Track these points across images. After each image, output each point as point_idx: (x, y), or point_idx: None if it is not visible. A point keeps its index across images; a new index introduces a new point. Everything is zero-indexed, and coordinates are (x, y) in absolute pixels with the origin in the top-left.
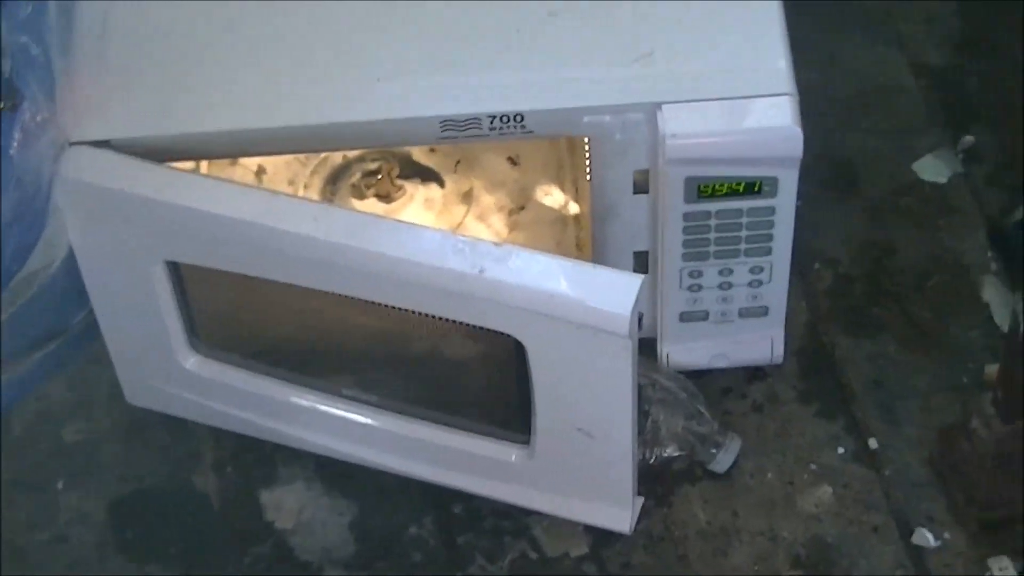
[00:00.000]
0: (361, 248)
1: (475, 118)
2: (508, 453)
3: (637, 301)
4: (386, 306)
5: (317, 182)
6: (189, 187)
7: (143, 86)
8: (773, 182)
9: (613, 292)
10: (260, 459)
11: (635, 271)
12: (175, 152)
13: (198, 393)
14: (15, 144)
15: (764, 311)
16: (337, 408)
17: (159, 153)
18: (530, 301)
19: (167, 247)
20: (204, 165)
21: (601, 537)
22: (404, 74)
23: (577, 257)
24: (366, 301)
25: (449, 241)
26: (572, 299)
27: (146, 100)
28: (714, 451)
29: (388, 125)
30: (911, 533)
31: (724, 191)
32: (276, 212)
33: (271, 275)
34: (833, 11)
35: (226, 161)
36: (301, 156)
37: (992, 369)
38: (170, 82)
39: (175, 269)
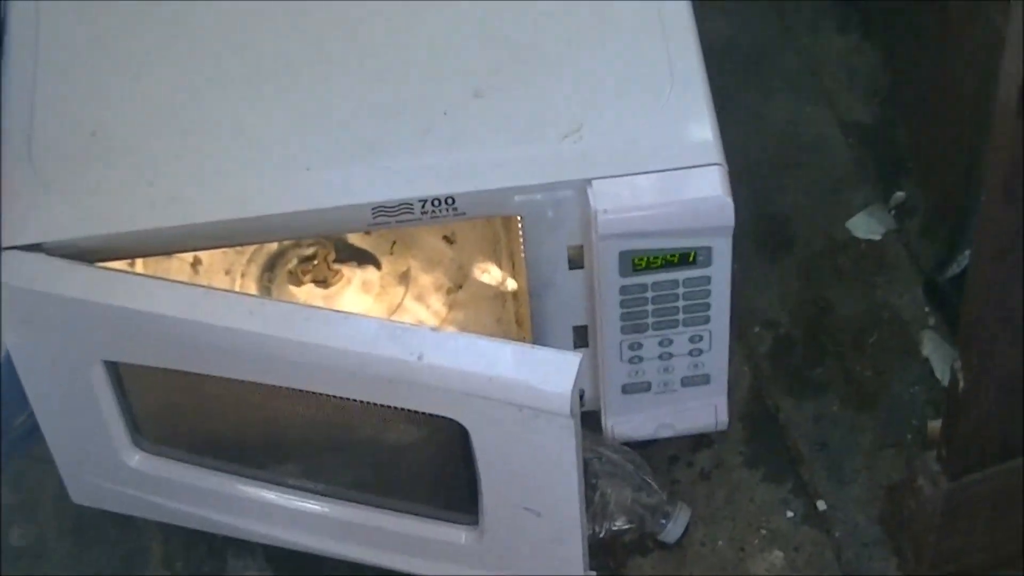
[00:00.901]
0: (298, 340)
1: (407, 203)
2: (457, 535)
3: (577, 379)
4: (327, 396)
5: (254, 270)
6: (122, 287)
7: (72, 188)
8: (707, 251)
9: (552, 372)
10: (210, 552)
11: (575, 345)
12: (107, 252)
13: (144, 489)
14: None
15: (706, 379)
16: (284, 498)
17: (91, 254)
18: (470, 385)
19: (104, 347)
20: (139, 261)
21: None
22: (334, 162)
23: (517, 333)
24: (306, 392)
25: (386, 328)
26: (512, 381)
27: (75, 201)
28: (664, 521)
29: (320, 214)
30: None
31: (659, 263)
32: (210, 308)
33: (209, 370)
34: (758, 70)
35: (161, 255)
36: None
37: (935, 425)
38: (98, 182)
39: (114, 368)
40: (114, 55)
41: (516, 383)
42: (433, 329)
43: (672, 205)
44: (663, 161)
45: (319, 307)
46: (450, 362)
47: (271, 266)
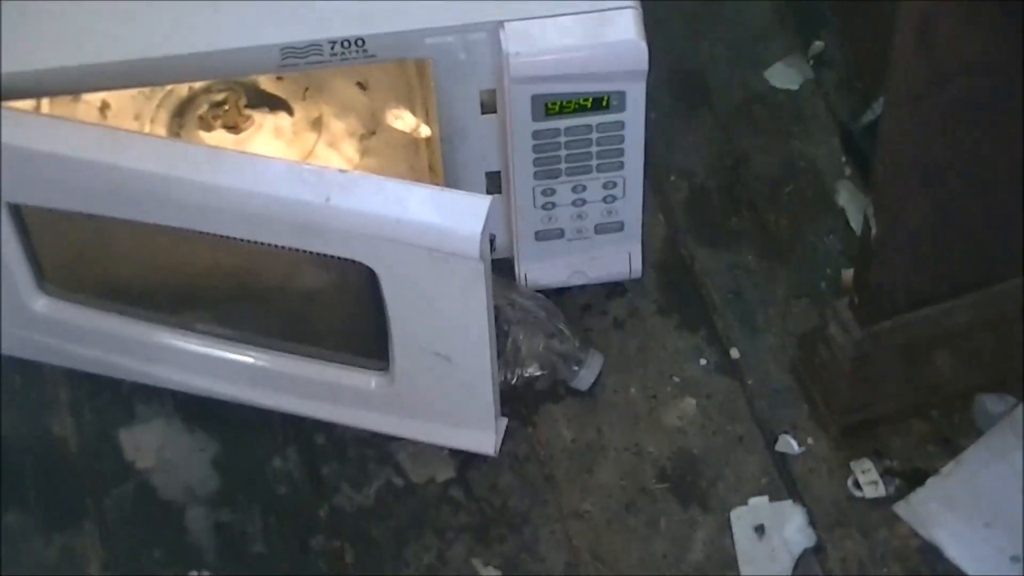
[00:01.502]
0: (206, 182)
1: (315, 44)
2: (367, 381)
3: (487, 222)
4: (236, 240)
5: (163, 116)
6: (26, 127)
7: None
8: (621, 96)
9: (462, 214)
10: (117, 399)
11: (488, 192)
12: (11, 91)
13: (50, 335)
14: None
15: (620, 226)
16: (193, 344)
17: None
18: (379, 228)
19: (7, 189)
20: (46, 103)
21: (466, 460)
22: (242, 1)
23: (430, 180)
24: (215, 235)
25: (294, 171)
26: (421, 224)
27: None
28: (576, 368)
29: (227, 55)
30: (775, 441)
31: (572, 108)
32: (117, 149)
33: (117, 213)
34: None
35: (68, 98)
36: (145, 90)
37: (848, 273)
38: (4, 17)
39: (16, 211)
40: None
41: (425, 226)
42: (341, 171)
43: (586, 48)
44: (577, 4)
45: (227, 149)
46: (358, 204)
47: (181, 111)
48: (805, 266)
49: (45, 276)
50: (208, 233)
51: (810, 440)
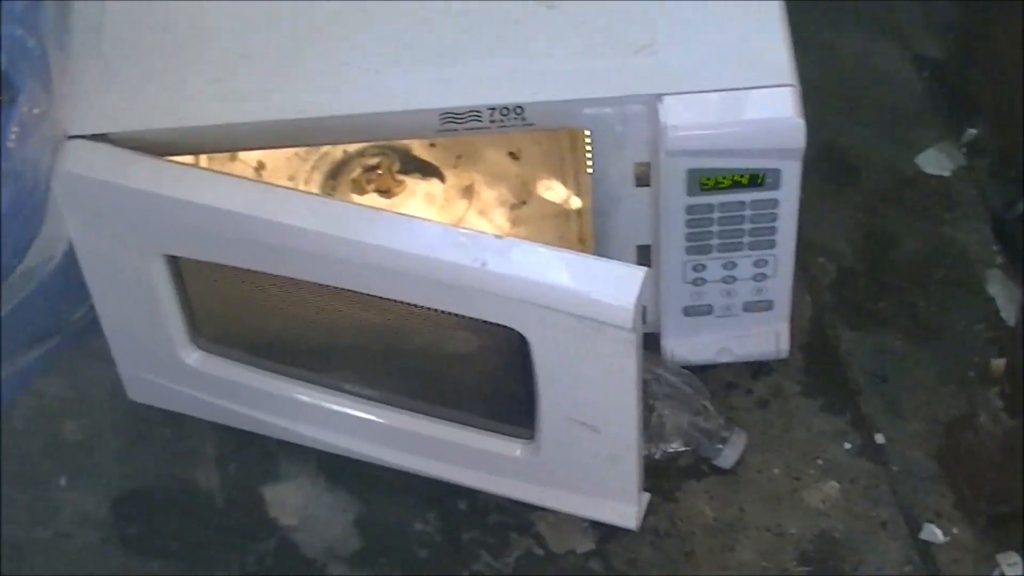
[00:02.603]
0: (361, 241)
1: (475, 110)
2: (512, 448)
3: (641, 293)
4: (388, 300)
5: (317, 177)
6: (187, 180)
7: (141, 79)
8: (776, 174)
9: (617, 284)
10: (263, 455)
11: (638, 265)
12: (173, 146)
13: (200, 389)
14: (12, 138)
15: (769, 305)
16: (340, 403)
17: (157, 147)
18: (532, 294)
19: (166, 241)
20: (203, 160)
21: (607, 533)
22: (404, 66)
23: (580, 251)
24: (367, 295)
25: (450, 234)
26: (575, 292)
27: (144, 93)
28: (720, 446)
29: (387, 118)
30: (919, 529)
31: (727, 183)
32: (275, 205)
33: (271, 269)
34: (832, 4)
35: (225, 156)
36: (301, 151)
37: (999, 363)
38: (168, 75)
39: (175, 263)
40: None
41: (580, 294)
42: (497, 236)
43: (743, 124)
44: (736, 80)
45: (383, 210)
46: (513, 270)
47: (335, 174)
48: (953, 353)
49: (199, 330)
50: (360, 292)
51: (955, 530)
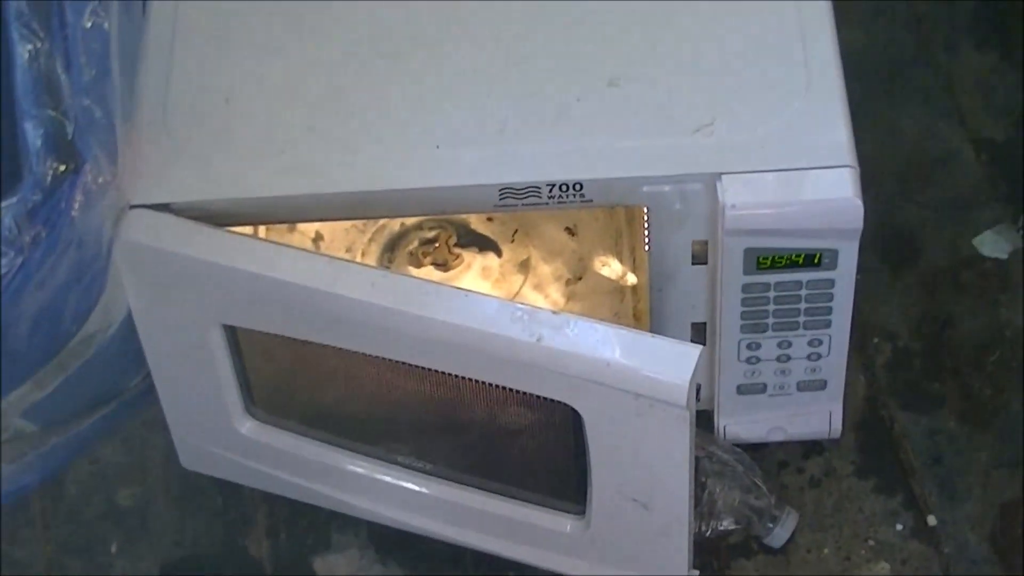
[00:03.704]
0: (419, 315)
1: (534, 186)
2: (563, 524)
3: (696, 371)
4: (442, 373)
5: (375, 249)
6: (247, 251)
7: (203, 150)
8: (833, 254)
9: (671, 362)
10: (313, 525)
11: (693, 342)
12: (234, 217)
13: (253, 458)
14: (76, 206)
15: (823, 384)
16: (391, 475)
17: (218, 217)
18: (587, 370)
19: (225, 311)
20: (263, 231)
21: None
22: (464, 141)
23: (635, 328)
24: (423, 368)
25: (507, 309)
26: (630, 368)
27: (206, 165)
28: (771, 525)
29: (447, 192)
30: None
31: (783, 263)
32: (334, 278)
33: (328, 340)
34: (892, 83)
35: (284, 227)
36: (359, 223)
37: None
38: (230, 146)
39: (232, 333)
40: (251, 26)
41: (634, 371)
42: (554, 312)
43: (801, 204)
44: (794, 160)
45: (440, 283)
46: (569, 346)
47: (392, 246)
48: (1008, 435)
49: (253, 400)
50: (416, 365)
51: None
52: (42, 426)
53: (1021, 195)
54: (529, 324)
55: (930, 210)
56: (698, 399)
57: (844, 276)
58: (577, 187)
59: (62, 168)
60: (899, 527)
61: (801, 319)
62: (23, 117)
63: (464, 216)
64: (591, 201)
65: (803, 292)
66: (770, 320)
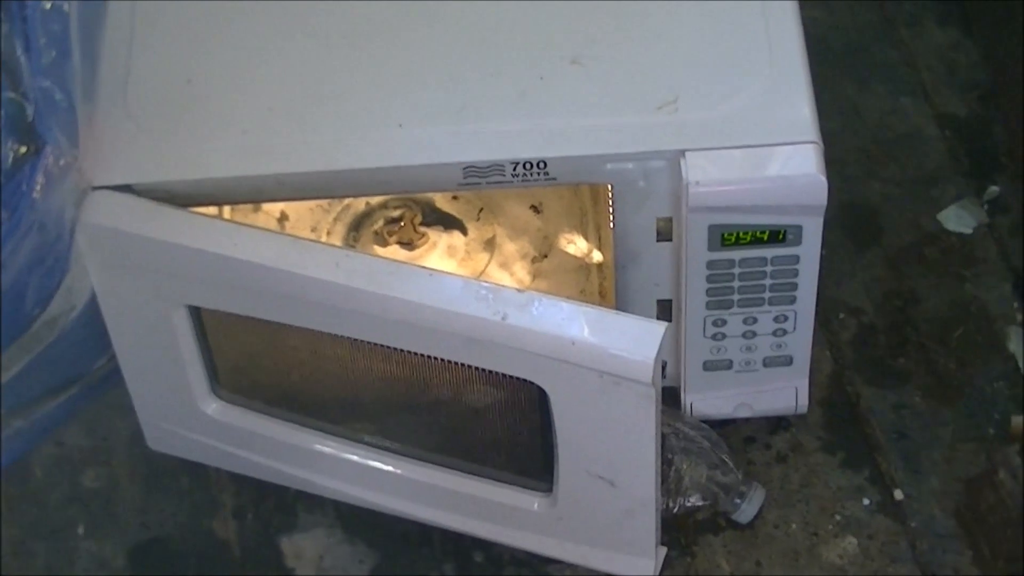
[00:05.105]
0: (383, 294)
1: (498, 165)
2: (530, 501)
3: (661, 348)
4: (408, 352)
5: (340, 229)
6: (210, 232)
7: (165, 131)
8: (797, 230)
9: (637, 339)
10: (281, 506)
11: (658, 319)
12: (197, 197)
13: (219, 439)
14: (37, 188)
15: (788, 360)
16: (358, 455)
17: (181, 198)
18: (553, 348)
19: (188, 292)
20: (227, 211)
21: None
22: (427, 120)
23: (600, 305)
24: (388, 347)
25: (471, 287)
26: (595, 346)
27: (168, 145)
28: (738, 501)
29: (410, 171)
30: None
31: (748, 239)
32: (298, 257)
33: (292, 321)
34: (856, 61)
35: (248, 208)
36: (324, 203)
37: (1019, 420)
38: (192, 127)
39: (196, 314)
40: (212, 7)
41: (600, 349)
42: (519, 291)
43: (765, 181)
44: (758, 136)
45: (405, 263)
46: (534, 324)
47: (357, 226)
48: (973, 410)
49: (219, 380)
50: (381, 344)
51: None
52: (6, 409)
53: (985, 170)
54: (494, 303)
55: (894, 186)
56: (664, 376)
57: (809, 252)
58: (541, 165)
59: (23, 150)
60: (866, 502)
61: (766, 295)
62: None
63: (429, 195)
64: (555, 179)
65: (768, 268)
66: (735, 296)
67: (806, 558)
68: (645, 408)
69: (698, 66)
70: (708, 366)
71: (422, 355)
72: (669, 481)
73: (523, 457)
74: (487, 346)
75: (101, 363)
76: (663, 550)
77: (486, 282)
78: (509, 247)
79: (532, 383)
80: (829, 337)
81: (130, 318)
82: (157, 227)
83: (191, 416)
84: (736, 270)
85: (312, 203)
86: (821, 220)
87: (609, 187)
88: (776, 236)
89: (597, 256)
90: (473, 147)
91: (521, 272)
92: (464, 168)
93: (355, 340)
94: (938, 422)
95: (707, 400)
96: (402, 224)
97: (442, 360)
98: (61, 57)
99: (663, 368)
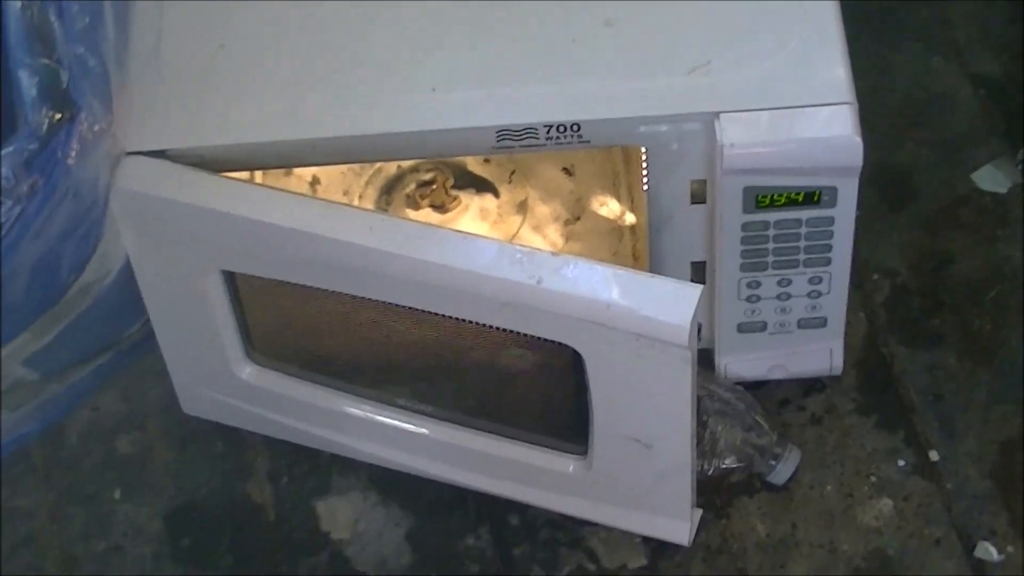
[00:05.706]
0: (418, 258)
1: (531, 128)
2: (565, 464)
3: (696, 311)
4: (442, 316)
5: (372, 192)
6: (245, 197)
7: (199, 96)
8: (832, 192)
9: (672, 302)
10: (315, 469)
11: (692, 282)
12: (230, 162)
13: (253, 403)
14: (72, 154)
15: (823, 322)
16: (393, 418)
17: (215, 163)
18: (588, 311)
19: (222, 257)
20: (259, 176)
21: (659, 549)
22: (460, 84)
23: (634, 268)
24: (422, 311)
25: (506, 251)
26: (631, 309)
27: (202, 110)
28: (773, 463)
29: (444, 135)
30: (973, 547)
31: (783, 201)
32: (332, 222)
33: (327, 285)
34: (888, 21)
35: (280, 172)
36: (355, 166)
37: None
38: (226, 92)
39: (231, 279)
40: None
41: (635, 312)
42: (553, 254)
43: (800, 142)
44: (792, 98)
45: (439, 227)
46: (569, 287)
47: (389, 189)
48: (1007, 371)
49: (253, 345)
50: (416, 309)
51: (1010, 548)
52: (42, 375)
53: (1019, 130)
54: (529, 266)
55: (927, 146)
56: (699, 339)
57: (844, 214)
58: (575, 128)
59: (57, 117)
60: (901, 463)
61: (801, 257)
62: (17, 66)
63: (461, 158)
64: (588, 142)
65: (803, 230)
66: (770, 259)
67: (841, 520)
68: (681, 371)
69: (732, 27)
70: (742, 328)
71: (456, 319)
72: (704, 443)
73: (558, 420)
74: (522, 310)
75: (135, 329)
76: (698, 512)
77: (520, 245)
78: (541, 209)
79: (567, 346)
80: (863, 299)
81: (164, 283)
82: (191, 192)
83: (225, 380)
84: (771, 232)
85: (344, 167)
86: (856, 182)
87: (643, 149)
88: (811, 198)
89: (630, 218)
90: (506, 110)
91: (554, 235)
92: (498, 132)
93: (389, 304)
94: (973, 383)
95: (741, 362)
96: (434, 187)
97: (476, 324)
98: (94, 23)
99: (698, 331)
